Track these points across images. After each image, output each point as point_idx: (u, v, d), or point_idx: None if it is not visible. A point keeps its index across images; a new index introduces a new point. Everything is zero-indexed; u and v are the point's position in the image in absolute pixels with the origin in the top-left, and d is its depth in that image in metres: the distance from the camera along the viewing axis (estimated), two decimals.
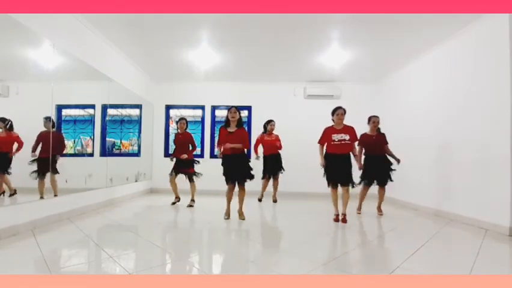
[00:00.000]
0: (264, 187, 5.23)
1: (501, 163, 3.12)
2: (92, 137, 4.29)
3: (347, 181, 3.49)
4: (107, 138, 4.68)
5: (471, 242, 2.78)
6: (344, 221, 3.49)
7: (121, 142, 5.34)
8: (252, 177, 3.57)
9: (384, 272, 1.99)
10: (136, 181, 5.63)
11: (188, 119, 7.06)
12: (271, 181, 5.26)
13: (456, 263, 2.21)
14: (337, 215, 3.58)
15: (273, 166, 5.10)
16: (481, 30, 3.49)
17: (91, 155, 4.30)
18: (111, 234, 3.04)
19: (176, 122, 4.79)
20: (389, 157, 4.11)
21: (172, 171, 4.57)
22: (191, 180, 4.59)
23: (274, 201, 5.24)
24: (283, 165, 5.20)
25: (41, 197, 3.12)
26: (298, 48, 4.66)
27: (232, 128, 3.61)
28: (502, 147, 3.13)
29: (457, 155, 3.84)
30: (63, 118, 3.69)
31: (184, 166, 4.55)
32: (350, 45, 4.49)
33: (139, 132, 5.87)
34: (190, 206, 4.53)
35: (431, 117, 4.42)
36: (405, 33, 3.99)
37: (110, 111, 4.78)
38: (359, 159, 4.01)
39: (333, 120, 3.65)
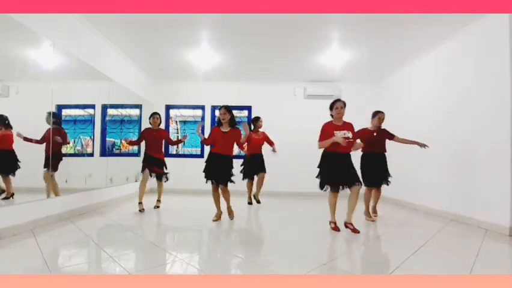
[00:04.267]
0: (250, 189, 4.92)
1: (501, 163, 3.12)
2: (92, 137, 4.29)
3: (355, 180, 3.04)
4: (107, 138, 4.68)
5: (471, 242, 2.78)
6: (355, 230, 3.00)
7: (121, 142, 5.33)
8: (231, 180, 3.44)
9: (384, 272, 1.99)
10: (136, 181, 5.61)
11: (188, 119, 7.18)
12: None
13: (456, 263, 2.21)
14: (335, 223, 3.18)
15: (255, 167, 4.78)
16: (481, 30, 3.49)
17: (91, 155, 4.30)
18: (111, 234, 3.04)
19: (149, 117, 4.30)
20: (407, 145, 3.74)
21: (145, 170, 4.13)
22: (160, 179, 4.30)
23: (258, 201, 4.89)
24: (265, 165, 4.88)
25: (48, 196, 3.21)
26: (298, 48, 4.65)
27: (225, 128, 3.51)
28: (502, 147, 3.13)
29: (457, 155, 3.84)
30: (63, 118, 3.69)
31: (157, 165, 4.21)
32: (350, 45, 4.49)
33: (139, 132, 5.87)
34: (157, 207, 4.30)
35: (431, 117, 4.42)
36: (405, 33, 3.99)
37: (110, 111, 4.78)
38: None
39: (331, 115, 3.26)
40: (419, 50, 4.53)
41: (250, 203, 4.89)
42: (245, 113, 6.66)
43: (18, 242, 2.49)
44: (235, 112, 6.64)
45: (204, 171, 3.47)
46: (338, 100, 3.21)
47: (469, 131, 3.62)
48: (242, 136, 3.53)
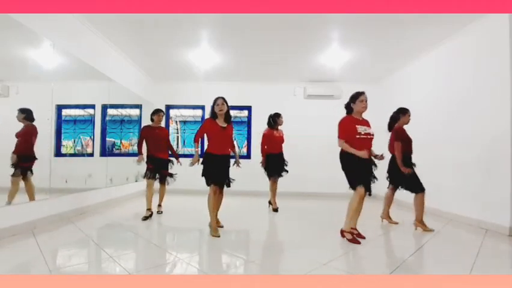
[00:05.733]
0: (274, 191, 4.47)
1: (501, 163, 3.12)
2: (92, 137, 4.29)
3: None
4: (107, 138, 4.68)
5: (471, 242, 2.78)
6: (360, 235, 2.81)
7: (121, 142, 5.33)
8: (230, 184, 3.07)
9: (384, 272, 1.99)
10: (136, 181, 5.63)
11: (188, 119, 7.18)
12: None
13: (456, 263, 2.21)
14: (359, 232, 2.88)
15: (278, 166, 4.39)
16: (481, 30, 3.49)
17: (91, 155, 4.30)
18: (111, 234, 3.04)
19: (152, 114, 3.98)
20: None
21: (149, 174, 3.79)
22: (165, 182, 3.97)
23: (275, 209, 4.40)
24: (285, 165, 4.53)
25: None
26: (298, 48, 4.65)
27: (222, 122, 3.03)
28: (502, 147, 3.13)
29: (457, 155, 3.84)
30: (63, 118, 3.69)
31: (163, 166, 3.92)
32: (350, 45, 4.49)
33: (139, 132, 5.87)
34: (160, 212, 4.00)
35: (431, 117, 4.42)
36: (406, 33, 3.99)
37: (110, 111, 4.78)
38: (400, 160, 3.25)
39: (349, 108, 2.90)
40: (419, 50, 4.53)
41: (276, 209, 4.38)
42: (245, 113, 6.66)
43: (18, 242, 2.49)
44: (235, 112, 6.72)
45: (205, 175, 2.96)
46: (363, 92, 2.86)
47: (469, 131, 3.62)
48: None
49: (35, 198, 3.03)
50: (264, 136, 4.39)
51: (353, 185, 2.73)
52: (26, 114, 2.93)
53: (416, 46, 4.41)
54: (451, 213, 3.84)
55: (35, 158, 3.05)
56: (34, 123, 3.03)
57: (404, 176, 3.28)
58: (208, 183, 2.95)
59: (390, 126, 3.56)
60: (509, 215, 3.01)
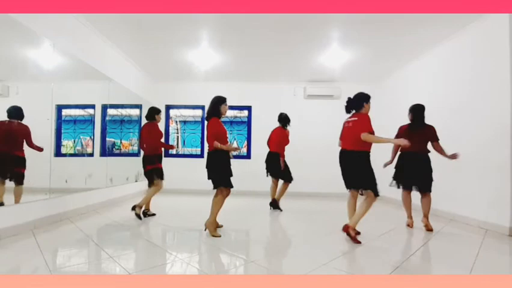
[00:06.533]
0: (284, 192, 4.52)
1: (501, 163, 3.12)
2: (92, 137, 4.29)
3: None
4: (107, 138, 4.68)
5: (471, 242, 2.78)
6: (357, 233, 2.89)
7: (121, 142, 5.33)
8: None
9: (384, 272, 1.99)
10: (136, 181, 5.63)
11: (188, 119, 7.18)
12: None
13: (456, 263, 2.21)
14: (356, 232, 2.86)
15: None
16: (481, 30, 3.49)
17: (91, 155, 4.30)
18: (111, 234, 3.04)
19: (156, 113, 3.84)
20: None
21: (156, 173, 3.75)
22: (158, 178, 3.76)
23: (278, 207, 4.46)
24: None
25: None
26: (298, 48, 4.66)
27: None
28: (502, 147, 3.13)
29: None
30: (63, 118, 3.69)
31: (160, 162, 3.89)
32: (350, 45, 4.49)
33: (139, 132, 5.87)
34: (154, 214, 3.86)
35: (431, 117, 4.39)
36: (405, 33, 4.00)
37: (110, 111, 4.78)
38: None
39: (360, 106, 2.94)
40: (419, 50, 4.53)
41: (279, 208, 4.48)
42: (245, 113, 6.66)
43: (18, 242, 2.50)
44: (235, 112, 6.72)
45: (227, 176, 2.90)
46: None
47: (469, 131, 3.62)
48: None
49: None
50: (285, 135, 4.46)
51: (375, 190, 2.68)
52: (9, 113, 2.77)
53: (416, 46, 4.41)
54: (451, 213, 3.85)
55: (12, 159, 2.82)
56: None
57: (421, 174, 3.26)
58: (229, 185, 2.89)
59: (422, 121, 3.42)
60: (509, 215, 3.01)
